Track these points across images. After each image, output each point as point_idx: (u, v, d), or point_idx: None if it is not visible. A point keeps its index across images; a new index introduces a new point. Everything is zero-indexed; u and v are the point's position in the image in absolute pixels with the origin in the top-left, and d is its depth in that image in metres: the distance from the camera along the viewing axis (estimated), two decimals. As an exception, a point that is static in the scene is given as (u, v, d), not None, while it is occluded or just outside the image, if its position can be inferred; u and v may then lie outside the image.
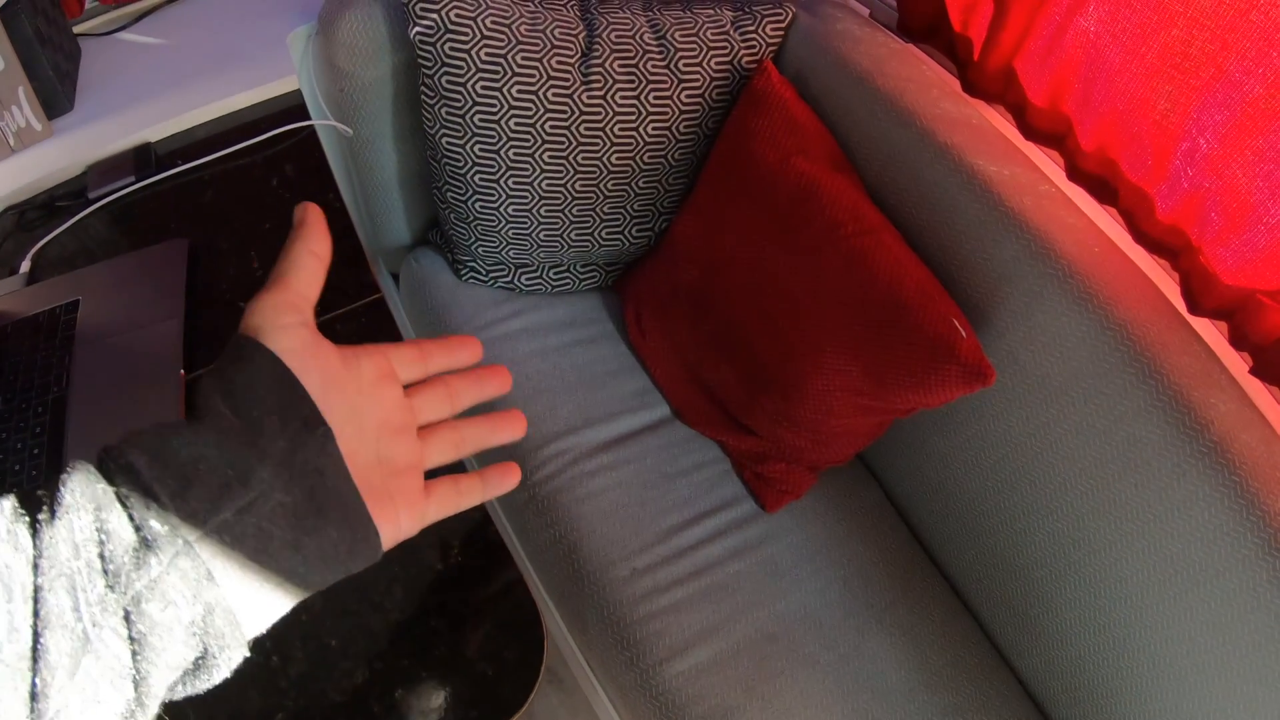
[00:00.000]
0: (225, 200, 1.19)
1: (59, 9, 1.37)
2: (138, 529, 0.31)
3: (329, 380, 0.38)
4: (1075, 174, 1.09)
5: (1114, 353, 0.90)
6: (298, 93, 1.31)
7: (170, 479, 0.32)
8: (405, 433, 0.42)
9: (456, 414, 0.46)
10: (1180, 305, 0.97)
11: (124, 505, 0.32)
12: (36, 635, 0.29)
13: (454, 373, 0.46)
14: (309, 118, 1.24)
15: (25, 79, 1.24)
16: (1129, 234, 1.04)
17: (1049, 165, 1.12)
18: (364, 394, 0.40)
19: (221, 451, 0.34)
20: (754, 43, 1.14)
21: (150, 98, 1.33)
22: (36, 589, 0.30)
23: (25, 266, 1.14)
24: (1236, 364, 0.94)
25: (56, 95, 1.31)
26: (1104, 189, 1.06)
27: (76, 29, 1.47)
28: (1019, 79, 1.10)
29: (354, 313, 1.05)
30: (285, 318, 0.38)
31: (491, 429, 0.46)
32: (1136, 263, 0.98)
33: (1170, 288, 1.00)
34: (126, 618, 0.30)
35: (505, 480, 0.46)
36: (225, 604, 0.32)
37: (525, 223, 1.20)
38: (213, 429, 0.34)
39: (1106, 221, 1.06)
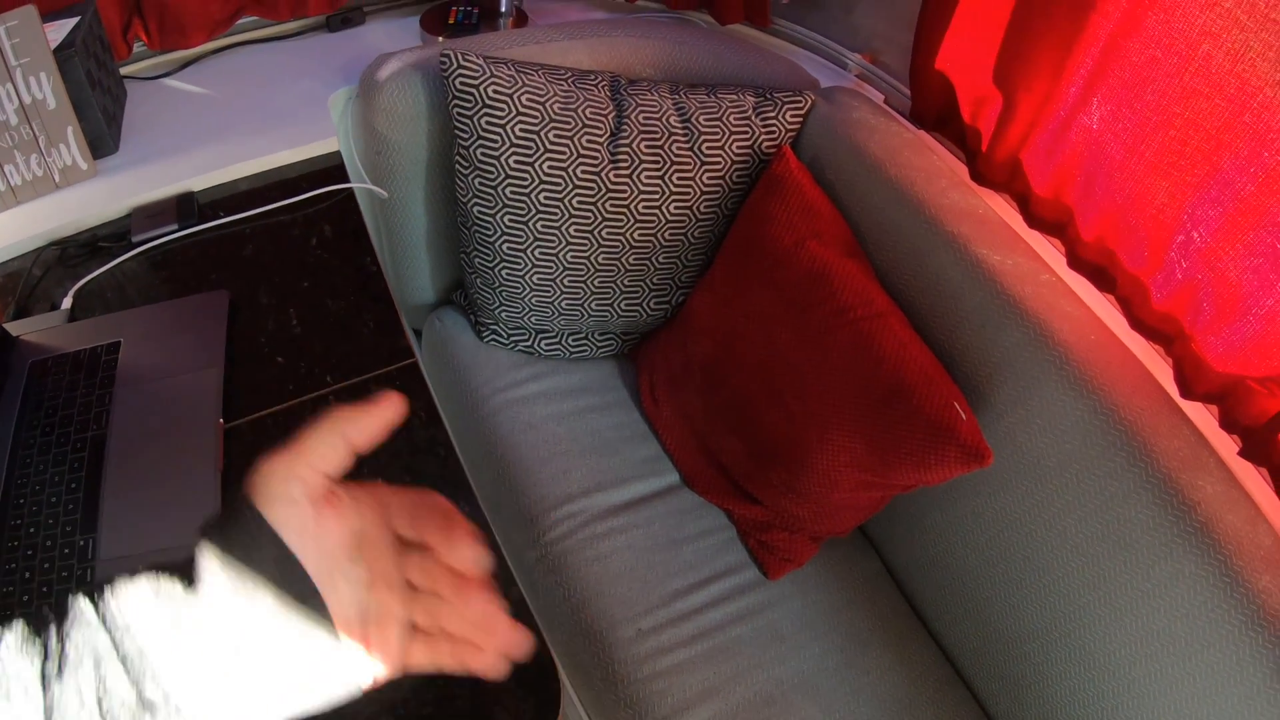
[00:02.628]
0: (265, 255, 1.26)
1: (109, 53, 1.46)
2: (136, 689, 0.36)
3: (325, 548, 0.41)
4: (1076, 262, 1.17)
5: (1106, 436, 0.97)
6: (336, 154, 1.41)
7: (167, 644, 0.37)
8: (393, 589, 0.45)
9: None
10: (1173, 389, 1.05)
11: (123, 663, 0.36)
12: None
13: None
14: (347, 178, 1.33)
15: (75, 119, 1.32)
16: (1126, 321, 1.12)
17: (1051, 253, 1.20)
18: (362, 548, 0.43)
19: (215, 616, 0.38)
20: (774, 128, 1.24)
21: (193, 146, 1.42)
22: None
23: (67, 303, 1.20)
24: (1226, 446, 1.01)
25: (103, 137, 1.39)
26: (1103, 277, 1.15)
27: (123, 70, 1.56)
28: (1024, 170, 1.19)
29: (388, 375, 1.12)
30: (292, 489, 0.41)
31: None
32: (1132, 349, 1.05)
33: (1164, 372, 1.07)
34: None
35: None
36: None
37: (548, 291, 1.29)
38: (209, 597, 0.38)
39: (1105, 308, 1.14)
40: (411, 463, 1.00)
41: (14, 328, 1.15)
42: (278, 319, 1.17)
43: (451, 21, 1.56)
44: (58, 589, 0.92)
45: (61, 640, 0.36)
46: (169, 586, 0.38)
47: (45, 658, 0.35)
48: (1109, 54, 1.02)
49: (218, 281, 1.22)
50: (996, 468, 1.03)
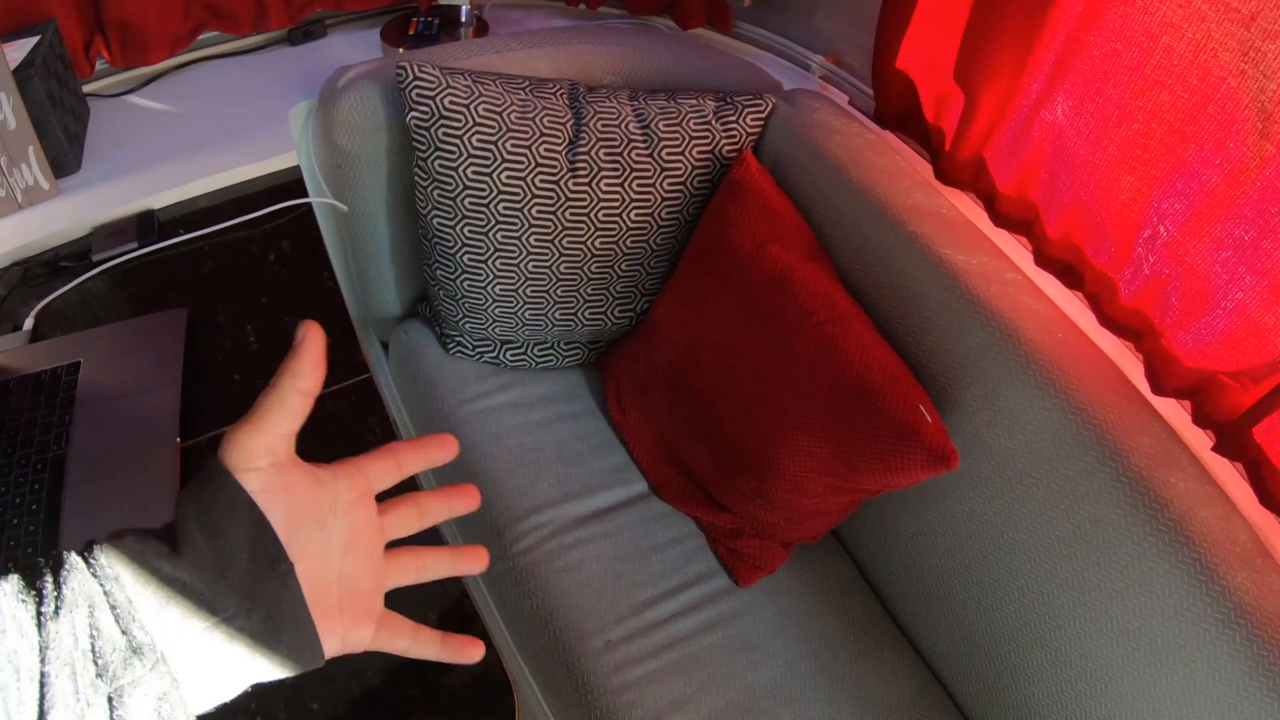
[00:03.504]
0: (224, 272, 1.25)
1: (70, 71, 1.45)
2: (125, 634, 0.38)
3: (298, 512, 0.43)
4: (1042, 260, 1.16)
5: (1076, 435, 0.95)
6: (296, 168, 1.39)
7: (153, 595, 0.39)
8: (371, 552, 0.47)
9: (424, 526, 0.50)
10: (1144, 386, 1.04)
11: (114, 610, 0.38)
12: (43, 712, 0.35)
13: (429, 491, 0.51)
14: (307, 192, 1.31)
15: (35, 139, 1.31)
16: (1095, 318, 1.11)
17: (1018, 251, 1.19)
18: (336, 514, 0.45)
19: (196, 579, 0.39)
20: (734, 132, 1.22)
21: (155, 164, 1.40)
22: (43, 674, 0.36)
23: (29, 324, 1.19)
24: (1200, 441, 1.01)
25: (65, 156, 1.38)
26: (1070, 274, 1.14)
27: (86, 88, 1.54)
28: (988, 168, 1.18)
29: (344, 391, 1.10)
30: (258, 460, 0.42)
31: (448, 504, 0.51)
32: (1101, 346, 1.04)
33: (1135, 369, 1.06)
34: (110, 703, 0.37)
35: (474, 561, 0.51)
36: (184, 702, 0.39)
37: (511, 302, 1.27)
38: (189, 560, 0.40)
39: (1074, 306, 1.13)
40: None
41: (-27, 352, 1.14)
42: (235, 336, 1.17)
43: (411, 33, 1.55)
44: None
45: (58, 585, 0.37)
46: (154, 546, 0.40)
47: (41, 601, 0.36)
48: (1070, 48, 1.01)
49: (177, 300, 1.21)
50: (966, 469, 1.02)
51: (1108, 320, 1.10)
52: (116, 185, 1.37)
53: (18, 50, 1.32)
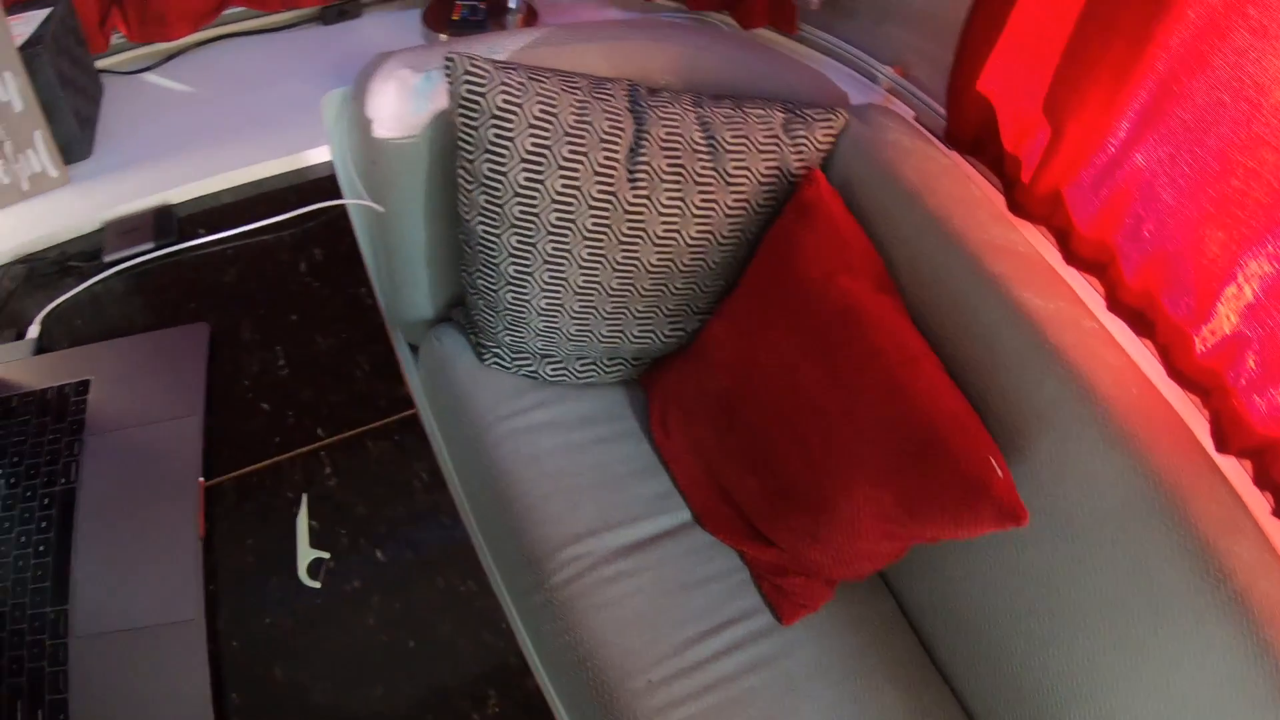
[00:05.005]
0: (249, 281, 1.23)
1: (84, 47, 1.42)
2: None
3: None
4: (1115, 305, 1.17)
5: (1145, 497, 0.97)
6: (328, 163, 1.37)
7: None
8: None
9: None
10: (1207, 440, 1.06)
11: None
12: None
13: None
14: (339, 190, 1.30)
15: (44, 122, 1.28)
16: (1163, 369, 1.13)
17: (1090, 293, 1.20)
18: None
19: None
20: (804, 148, 1.22)
21: (173, 152, 1.38)
22: None
23: (34, 331, 1.17)
24: (1258, 504, 1.03)
25: (75, 141, 1.35)
26: (1141, 322, 1.16)
27: (99, 64, 1.52)
28: (1066, 204, 1.19)
29: (386, 429, 1.09)
30: None
31: None
32: (1168, 397, 1.06)
33: (1199, 422, 1.09)
34: None
35: None
36: None
37: (556, 316, 1.28)
38: None
39: (1140, 352, 1.15)
40: (412, 534, 0.98)
41: (-27, 361, 1.11)
42: (263, 359, 1.15)
43: (456, 18, 1.54)
44: (29, 666, 0.89)
45: None
46: None
47: None
48: (1170, 91, 1.01)
49: (197, 311, 1.19)
50: (1029, 525, 1.03)
51: (1177, 374, 1.12)
52: (131, 175, 1.35)
53: (25, 24, 1.29)
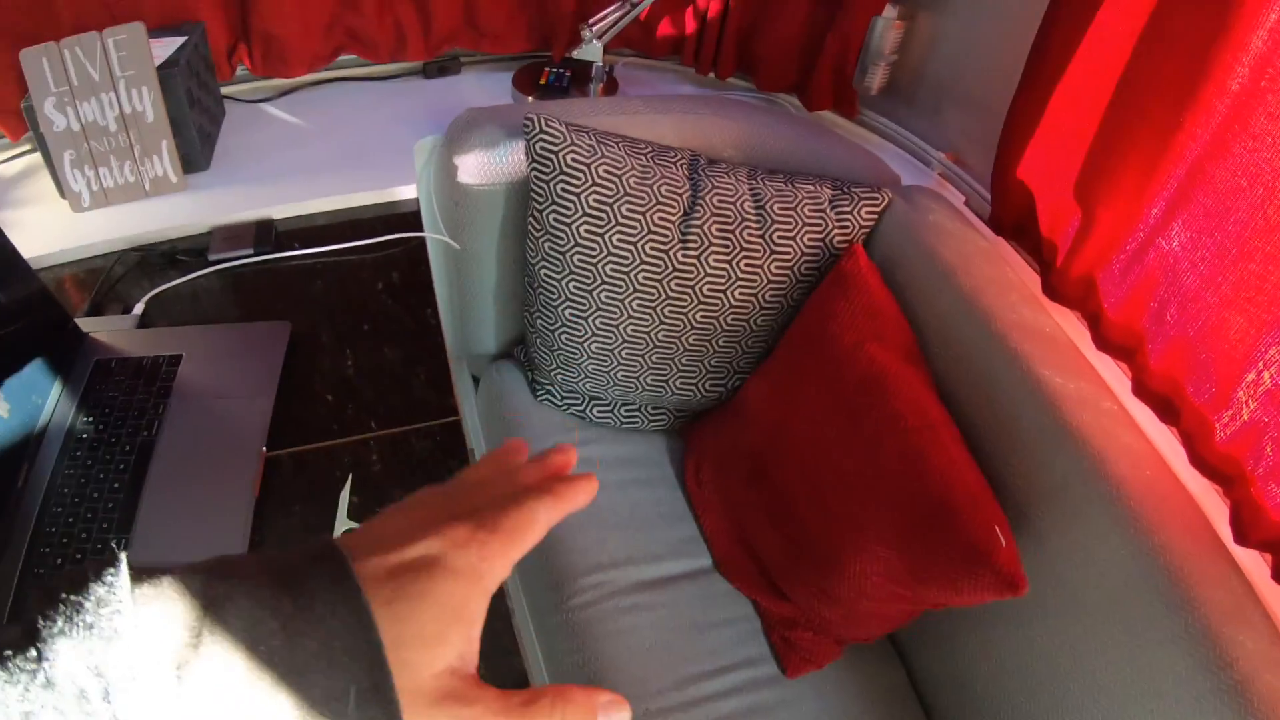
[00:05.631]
0: (332, 293, 1.38)
1: (212, 72, 1.62)
2: None
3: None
4: (1141, 390, 1.21)
5: (1149, 579, 1.00)
6: (414, 200, 1.52)
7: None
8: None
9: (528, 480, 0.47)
10: (1227, 532, 1.07)
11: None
12: None
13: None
14: (421, 224, 1.44)
15: (170, 134, 1.47)
16: (1186, 456, 1.15)
17: (1117, 376, 1.24)
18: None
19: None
20: (848, 223, 1.31)
21: (280, 175, 1.56)
22: None
23: (139, 309, 1.33)
24: (1276, 596, 1.03)
25: (196, 153, 1.55)
26: (1167, 408, 1.18)
27: (224, 90, 1.72)
28: (1098, 289, 1.24)
29: (431, 430, 1.21)
30: (490, 566, 0.39)
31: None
32: (1189, 485, 1.08)
33: (1221, 512, 1.10)
34: None
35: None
36: None
37: (606, 361, 1.38)
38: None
39: (1166, 440, 1.18)
40: None
41: (86, 324, 1.28)
42: (334, 359, 1.28)
43: (543, 82, 1.68)
44: None
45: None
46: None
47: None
48: (1194, 177, 1.05)
49: (282, 312, 1.34)
50: (1032, 596, 1.06)
51: (1199, 461, 1.13)
52: (240, 190, 1.52)
53: (165, 47, 1.49)
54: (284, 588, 0.34)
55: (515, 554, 0.41)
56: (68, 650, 0.30)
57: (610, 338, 1.35)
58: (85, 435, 1.17)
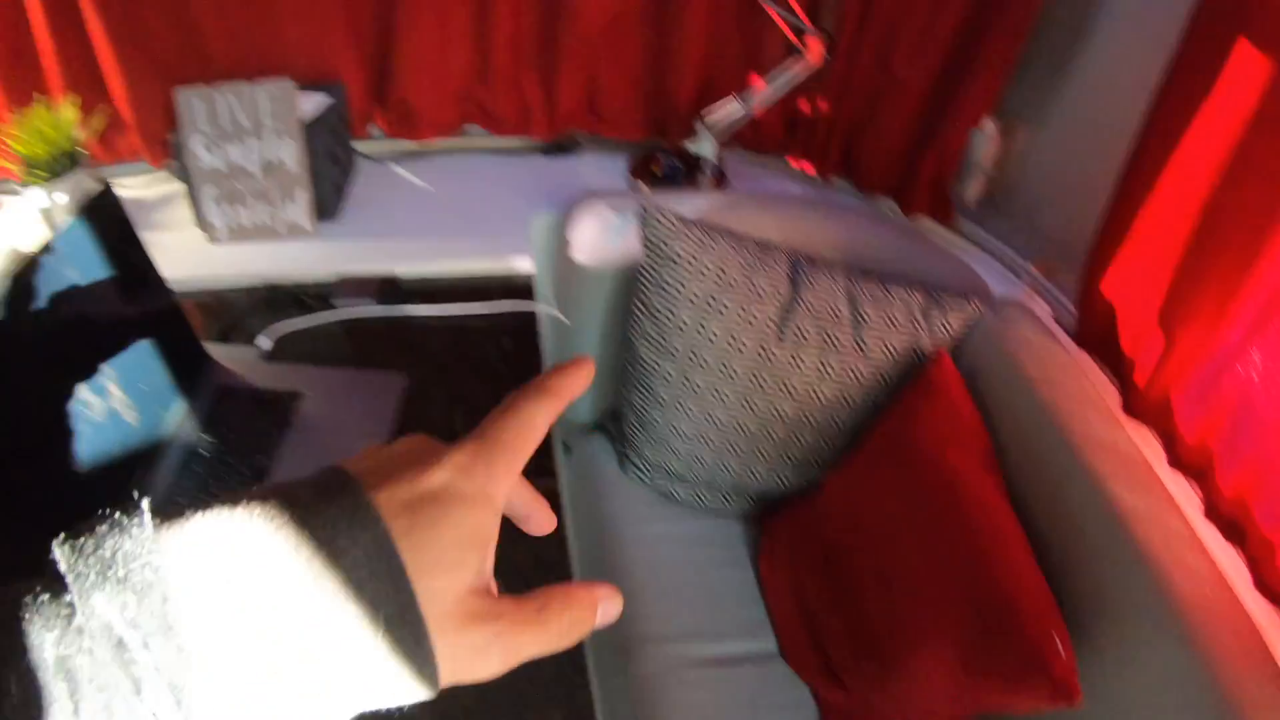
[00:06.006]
0: (446, 352, 1.48)
1: (347, 129, 1.78)
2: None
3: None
4: (1211, 512, 1.25)
5: (1202, 701, 1.02)
6: (528, 273, 1.64)
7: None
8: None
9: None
10: (1284, 657, 1.11)
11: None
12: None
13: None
14: (533, 295, 1.57)
15: (307, 183, 1.63)
16: (1251, 579, 1.19)
17: (1188, 493, 1.29)
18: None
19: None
20: (938, 331, 1.40)
21: (403, 232, 1.70)
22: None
23: (265, 343, 1.45)
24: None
25: (328, 204, 1.70)
26: (1234, 531, 1.22)
27: (358, 147, 1.87)
28: (1174, 410, 1.29)
29: None
30: (497, 486, 0.41)
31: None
32: (1251, 609, 1.11)
33: None
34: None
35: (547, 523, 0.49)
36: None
37: (695, 444, 1.49)
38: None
39: (1232, 559, 1.22)
40: (531, 577, 1.16)
41: (213, 349, 1.40)
42: (444, 416, 1.38)
43: (657, 171, 1.79)
44: None
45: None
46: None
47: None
48: (1273, 305, 1.11)
49: (397, 363, 1.44)
50: (1086, 708, 1.09)
51: (1264, 586, 1.17)
52: (366, 242, 1.67)
53: (307, 101, 1.65)
54: (305, 524, 0.35)
55: (519, 464, 0.43)
56: (103, 602, 0.31)
57: (702, 422, 1.46)
58: (205, 454, 1.26)
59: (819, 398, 1.42)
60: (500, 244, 1.68)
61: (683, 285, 1.36)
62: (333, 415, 1.35)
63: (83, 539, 0.32)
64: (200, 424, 1.31)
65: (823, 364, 1.39)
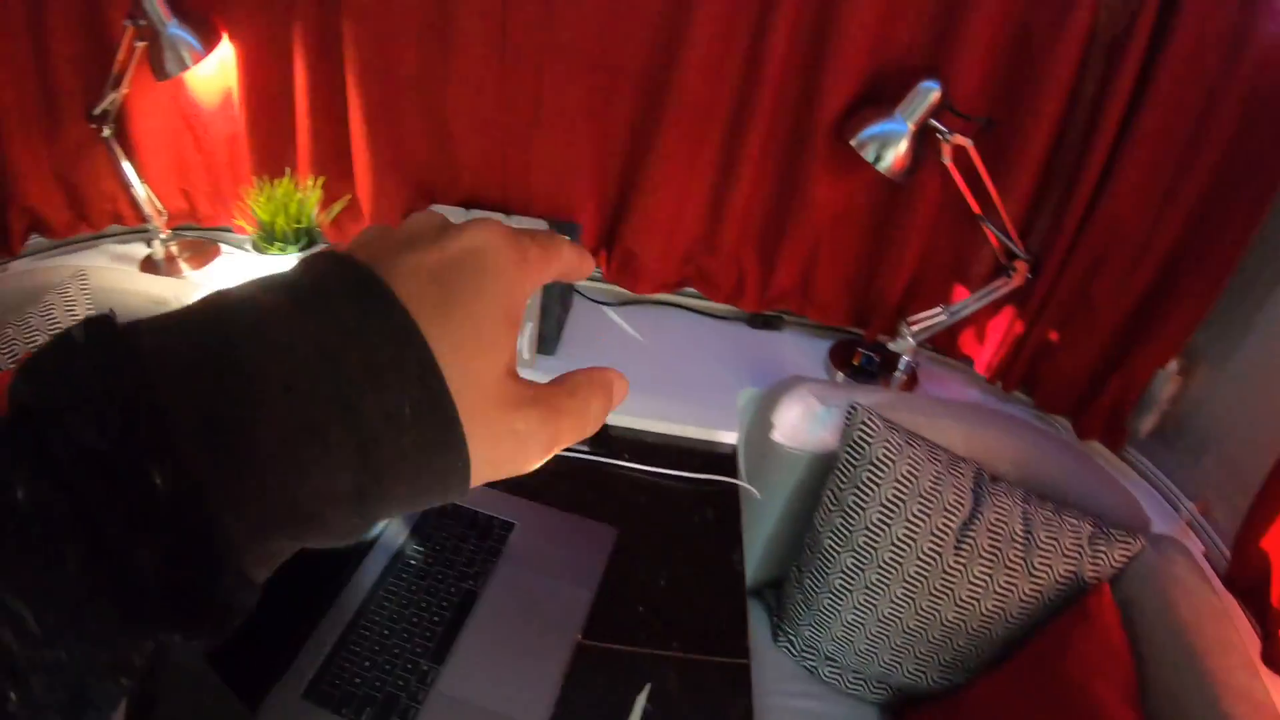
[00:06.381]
0: (654, 510, 1.62)
1: (574, 269, 2.00)
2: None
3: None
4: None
5: None
6: (732, 445, 1.80)
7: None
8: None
9: None
10: None
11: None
12: None
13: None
14: (737, 468, 1.75)
15: (537, 318, 1.83)
16: None
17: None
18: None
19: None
20: (1100, 562, 1.56)
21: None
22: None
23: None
24: None
25: (549, 338, 1.90)
26: None
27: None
28: None
29: (721, 666, 1.36)
30: (530, 282, 0.39)
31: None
32: None
33: None
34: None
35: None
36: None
37: (855, 633, 1.66)
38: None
39: None
40: None
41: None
42: (648, 574, 1.50)
43: (856, 362, 1.97)
44: (386, 689, 1.20)
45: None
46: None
47: None
48: None
49: (604, 513, 1.57)
50: None
51: None
52: (583, 380, 1.86)
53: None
54: (321, 323, 0.31)
55: (548, 271, 0.41)
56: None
57: (867, 614, 1.63)
58: (413, 562, 1.37)
59: (980, 608, 1.58)
60: (707, 410, 1.82)
61: (877, 487, 1.55)
62: (542, 553, 1.44)
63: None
64: (409, 532, 1.42)
65: (990, 578, 1.56)
